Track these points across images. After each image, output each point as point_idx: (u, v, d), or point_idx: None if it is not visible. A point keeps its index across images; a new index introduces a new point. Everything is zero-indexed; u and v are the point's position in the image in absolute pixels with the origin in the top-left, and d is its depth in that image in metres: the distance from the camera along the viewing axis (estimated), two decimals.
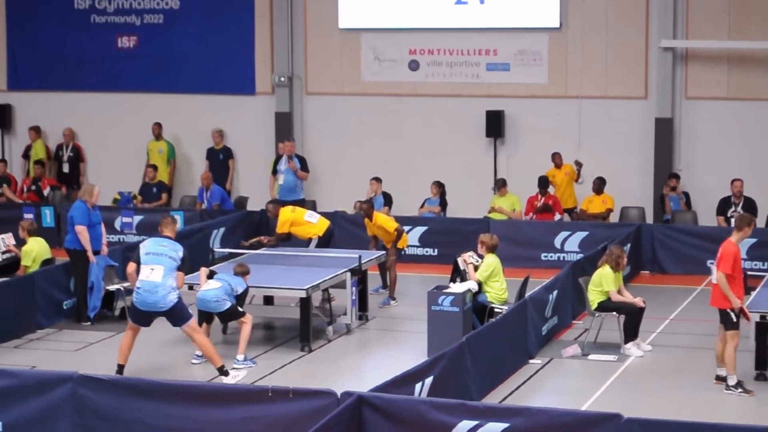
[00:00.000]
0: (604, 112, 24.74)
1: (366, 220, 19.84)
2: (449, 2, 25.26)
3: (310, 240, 19.52)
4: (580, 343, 16.63)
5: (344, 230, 22.32)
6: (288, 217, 19.46)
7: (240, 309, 16.07)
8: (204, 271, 16.31)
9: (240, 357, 15.87)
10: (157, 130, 26.75)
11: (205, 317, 16.25)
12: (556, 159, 24.33)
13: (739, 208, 22.55)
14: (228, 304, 15.93)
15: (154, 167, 26.02)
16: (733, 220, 22.37)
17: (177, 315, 14.81)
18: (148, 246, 14.95)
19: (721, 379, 14.96)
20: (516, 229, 22.68)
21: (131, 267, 14.98)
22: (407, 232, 21.50)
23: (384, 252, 19.39)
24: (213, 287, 15.98)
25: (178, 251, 14.83)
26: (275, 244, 19.63)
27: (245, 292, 16.30)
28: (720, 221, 22.74)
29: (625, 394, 14.78)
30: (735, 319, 14.69)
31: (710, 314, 17.78)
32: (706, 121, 24.29)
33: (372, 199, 21.77)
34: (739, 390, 14.70)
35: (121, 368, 15.01)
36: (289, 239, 19.75)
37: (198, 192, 25.23)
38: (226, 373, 14.93)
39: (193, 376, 14.98)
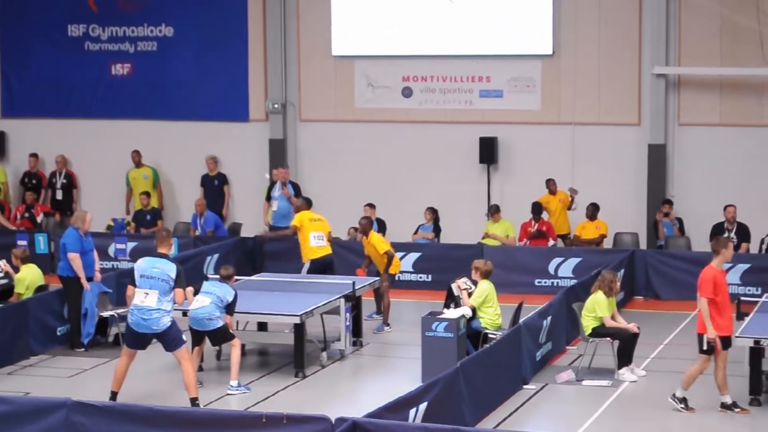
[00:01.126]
0: (598, 138, 24.79)
1: (363, 237, 19.88)
2: (442, 29, 25.33)
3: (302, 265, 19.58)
4: (574, 369, 16.63)
5: (338, 256, 22.19)
6: (304, 220, 19.66)
7: (230, 332, 16.10)
8: (190, 290, 16.02)
9: (234, 383, 15.86)
10: (137, 158, 26.73)
11: (197, 339, 16.21)
12: (551, 185, 24.37)
13: (732, 234, 22.60)
14: (220, 323, 15.96)
15: (147, 194, 26.02)
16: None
17: (170, 339, 14.78)
18: (142, 267, 14.89)
19: (726, 406, 14.96)
20: (509, 255, 22.70)
21: (130, 290, 14.95)
22: (401, 258, 21.56)
23: (378, 278, 19.40)
24: (204, 304, 15.98)
25: (170, 272, 14.78)
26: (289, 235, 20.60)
27: (235, 299, 16.29)
28: None
29: (620, 419, 14.79)
30: (706, 346, 14.73)
31: None
32: (699, 147, 24.35)
33: (371, 218, 21.58)
34: (681, 405, 14.88)
35: (114, 395, 14.97)
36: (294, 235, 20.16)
37: (192, 218, 25.23)
38: (197, 406, 14.82)
39: (185, 402, 14.93)
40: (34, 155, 27.53)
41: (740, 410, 14.88)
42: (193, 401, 14.72)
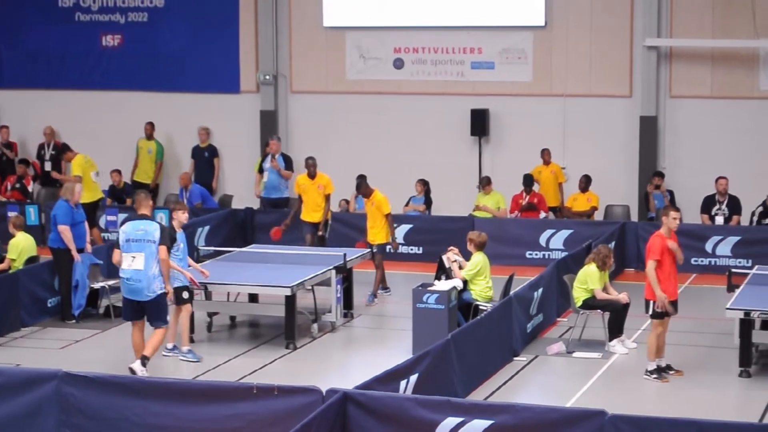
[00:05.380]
0: (589, 110, 24.76)
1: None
2: (433, 0, 25.27)
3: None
4: (565, 341, 16.65)
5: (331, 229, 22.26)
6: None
7: None
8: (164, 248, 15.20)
9: None
10: (150, 130, 26.61)
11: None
12: (545, 156, 24.37)
13: (723, 206, 22.63)
14: None
15: (119, 172, 25.83)
16: (717, 218, 22.53)
17: (158, 310, 14.78)
18: (127, 232, 14.82)
19: (657, 371, 15.25)
20: (501, 227, 22.68)
21: (117, 255, 14.96)
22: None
23: (368, 250, 19.33)
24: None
25: (155, 232, 14.74)
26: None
27: None
28: (704, 219, 22.79)
29: (610, 391, 14.82)
30: (651, 311, 15.05)
31: (694, 311, 17.90)
32: (691, 120, 24.34)
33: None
34: (654, 376, 15.06)
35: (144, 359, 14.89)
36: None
37: (179, 192, 25.21)
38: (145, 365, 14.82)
39: (178, 373, 14.94)
40: (5, 126, 27.41)
41: (675, 372, 15.21)
42: (144, 359, 14.69)
